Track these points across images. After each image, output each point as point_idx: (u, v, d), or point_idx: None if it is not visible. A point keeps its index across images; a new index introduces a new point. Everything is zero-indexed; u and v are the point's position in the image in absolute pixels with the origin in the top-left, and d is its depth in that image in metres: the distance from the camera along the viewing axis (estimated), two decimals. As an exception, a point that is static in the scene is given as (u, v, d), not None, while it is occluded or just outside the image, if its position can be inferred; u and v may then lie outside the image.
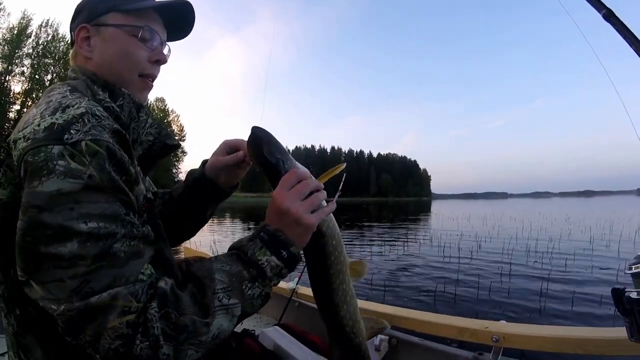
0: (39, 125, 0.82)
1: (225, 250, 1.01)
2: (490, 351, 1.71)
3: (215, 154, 1.32)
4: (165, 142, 1.12)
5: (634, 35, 1.22)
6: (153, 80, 1.17)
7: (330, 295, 1.10)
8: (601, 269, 9.34)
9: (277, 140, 1.06)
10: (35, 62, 55.43)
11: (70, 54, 1.15)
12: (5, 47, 53.27)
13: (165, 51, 1.18)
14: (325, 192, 1.03)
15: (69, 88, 0.99)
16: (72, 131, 0.80)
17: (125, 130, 0.96)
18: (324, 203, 1.03)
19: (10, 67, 53.73)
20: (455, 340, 1.84)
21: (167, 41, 1.20)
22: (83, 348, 0.77)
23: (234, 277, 0.88)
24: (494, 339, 1.66)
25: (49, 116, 0.84)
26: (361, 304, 2.21)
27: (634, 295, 1.09)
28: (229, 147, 1.30)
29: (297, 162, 1.07)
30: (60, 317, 0.75)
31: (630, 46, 1.22)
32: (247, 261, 0.91)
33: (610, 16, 1.27)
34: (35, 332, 0.89)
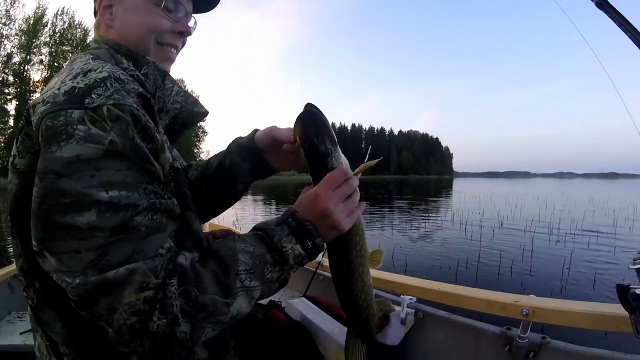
0: (59, 89, 0.79)
1: (249, 228, 0.99)
2: (519, 326, 1.69)
3: (266, 128, 1.23)
4: (192, 110, 1.08)
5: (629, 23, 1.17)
6: (177, 51, 1.14)
7: (350, 287, 1.10)
8: (623, 251, 9.22)
9: (330, 127, 0.99)
10: (53, 50, 56.20)
11: (93, 25, 1.12)
12: (23, 37, 54.12)
13: (190, 23, 1.14)
14: (359, 192, 1.00)
15: (92, 56, 0.96)
16: (93, 95, 0.76)
17: (151, 98, 0.93)
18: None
19: (28, 56, 54.52)
20: (483, 314, 1.82)
21: (193, 13, 1.16)
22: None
23: (257, 259, 0.86)
24: (523, 313, 1.63)
25: (69, 80, 0.80)
26: (388, 276, 2.20)
27: (639, 291, 1.06)
28: (274, 140, 1.20)
29: (342, 154, 1.01)
30: (74, 291, 0.71)
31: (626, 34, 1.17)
32: (272, 246, 0.88)
33: (602, 4, 1.21)
34: (55, 306, 0.87)
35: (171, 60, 1.13)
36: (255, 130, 1.25)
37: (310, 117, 0.98)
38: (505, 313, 1.71)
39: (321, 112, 0.99)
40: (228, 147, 1.29)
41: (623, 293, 1.08)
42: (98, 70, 0.83)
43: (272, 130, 1.20)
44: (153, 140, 0.83)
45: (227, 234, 1.78)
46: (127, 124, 0.76)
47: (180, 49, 1.16)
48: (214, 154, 1.37)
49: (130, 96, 0.81)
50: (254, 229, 0.94)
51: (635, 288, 1.07)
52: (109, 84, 0.80)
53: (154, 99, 0.98)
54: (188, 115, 1.08)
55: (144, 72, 0.99)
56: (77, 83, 0.79)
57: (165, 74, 1.04)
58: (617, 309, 1.51)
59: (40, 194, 0.73)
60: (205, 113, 1.12)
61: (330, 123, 1.01)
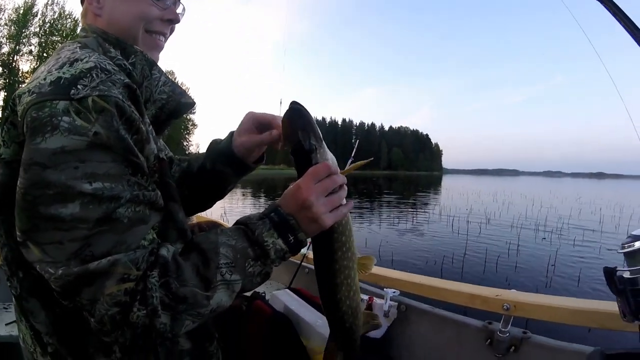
0: (45, 79, 0.78)
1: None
2: (500, 320, 1.70)
3: (243, 130, 1.20)
4: (179, 101, 1.06)
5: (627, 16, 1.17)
6: (165, 39, 1.13)
7: (333, 289, 1.06)
8: (609, 249, 9.32)
9: (315, 124, 1.00)
10: (42, 40, 54.95)
11: (80, 13, 1.10)
12: (12, 27, 52.96)
13: (178, 10, 1.13)
14: (346, 190, 0.99)
15: (79, 45, 0.94)
16: (79, 86, 0.75)
17: (138, 88, 0.91)
18: (344, 201, 1.00)
19: (17, 46, 53.47)
20: (465, 308, 1.83)
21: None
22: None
23: (239, 253, 0.86)
24: (505, 307, 1.64)
25: (56, 70, 0.79)
26: (373, 269, 2.20)
27: (626, 274, 1.06)
28: (258, 122, 1.18)
29: (328, 151, 1.02)
30: (57, 281, 0.72)
31: (623, 26, 1.17)
32: (254, 240, 0.88)
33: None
34: (39, 296, 0.87)
35: (160, 48, 1.12)
36: (232, 134, 1.23)
37: (296, 114, 1.00)
38: (487, 307, 1.72)
39: (306, 110, 1.00)
40: (207, 151, 1.29)
41: (610, 276, 1.08)
42: (84, 60, 0.82)
43: (254, 118, 1.19)
44: (138, 131, 0.82)
45: (213, 226, 1.77)
46: (112, 116, 0.76)
47: (169, 36, 1.14)
48: (204, 146, 1.36)
49: (116, 87, 0.80)
50: (237, 222, 0.94)
51: (622, 271, 1.07)
52: (94, 75, 0.79)
53: (141, 88, 0.97)
54: (175, 106, 1.06)
55: (131, 62, 0.98)
56: (63, 73, 0.78)
57: (153, 64, 1.02)
58: (600, 305, 1.53)
59: (25, 185, 0.73)
60: (192, 104, 1.10)
61: (321, 118, 1.01)
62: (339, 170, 0.98)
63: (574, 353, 1.52)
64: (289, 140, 1.01)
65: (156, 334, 0.77)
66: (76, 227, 0.71)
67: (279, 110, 1.18)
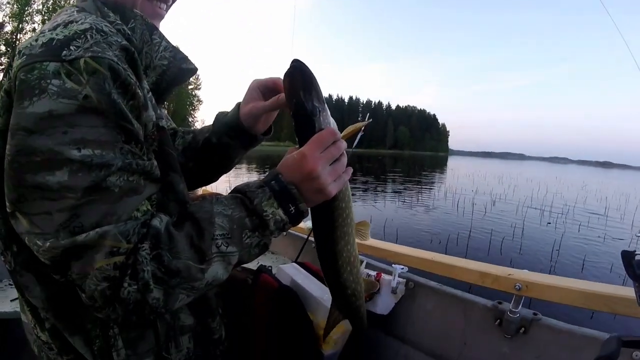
0: (37, 40, 0.73)
1: None
2: (510, 300, 1.68)
3: (249, 98, 1.15)
4: (180, 67, 1.00)
5: None
6: (166, 7, 1.07)
7: (334, 257, 1.03)
8: (614, 238, 9.33)
9: (317, 84, 0.92)
10: (45, 17, 54.52)
11: None
12: (15, 6, 52.77)
13: None
14: (346, 156, 0.95)
15: (77, 9, 0.89)
16: (72, 47, 0.71)
17: (138, 54, 0.87)
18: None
19: (20, 25, 53.30)
20: (475, 286, 1.80)
21: None
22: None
23: (235, 223, 0.82)
24: (516, 287, 1.62)
25: (49, 31, 0.75)
26: (379, 244, 2.19)
27: None
28: (263, 87, 1.13)
29: (330, 115, 0.95)
30: (45, 254, 0.69)
31: None
32: (252, 209, 0.83)
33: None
34: (33, 270, 0.84)
35: (160, 16, 1.06)
36: (238, 105, 1.18)
37: (298, 72, 0.91)
38: (498, 286, 1.70)
39: (309, 69, 0.92)
40: (214, 124, 1.24)
41: (628, 259, 1.04)
42: (80, 22, 0.77)
43: (258, 83, 1.14)
44: (134, 96, 0.77)
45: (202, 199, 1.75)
46: (104, 78, 0.71)
47: (171, 4, 1.09)
48: (209, 122, 1.31)
49: (112, 49, 0.76)
50: (235, 190, 0.89)
51: None
52: (89, 36, 0.74)
53: (141, 54, 0.93)
54: (176, 72, 1.00)
55: (130, 26, 0.93)
56: (56, 35, 0.73)
57: (153, 28, 0.97)
58: (613, 290, 1.50)
59: (11, 151, 0.69)
60: (194, 70, 1.05)
61: (327, 95, 0.94)
62: (340, 134, 0.93)
63: (584, 337, 1.50)
64: (289, 102, 0.93)
65: (149, 310, 0.74)
66: (64, 197, 0.68)
67: (291, 53, 1.12)
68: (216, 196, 0.88)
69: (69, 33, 0.74)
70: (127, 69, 0.77)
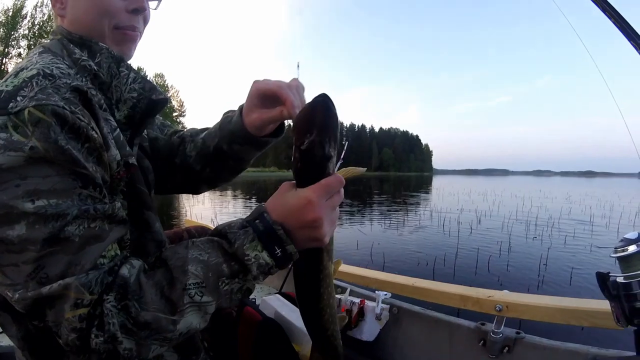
0: None
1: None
2: (493, 321, 1.69)
3: (251, 105, 1.03)
4: (150, 98, 0.97)
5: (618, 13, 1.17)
6: (138, 32, 1.04)
7: (317, 299, 0.99)
8: (600, 247, 9.38)
9: (338, 127, 0.84)
10: (31, 42, 54.79)
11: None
12: (1, 30, 52.94)
13: None
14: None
15: (41, 50, 0.90)
16: (18, 98, 0.70)
17: (107, 89, 0.88)
18: None
19: (6, 49, 53.46)
20: (458, 310, 1.82)
21: None
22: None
23: (211, 270, 0.76)
24: (497, 309, 1.64)
25: (2, 82, 0.74)
26: (362, 271, 2.20)
27: (620, 279, 1.04)
28: (262, 96, 0.99)
29: None
30: (17, 304, 0.69)
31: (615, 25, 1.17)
32: (231, 254, 0.77)
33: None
34: (9, 310, 0.82)
35: (133, 41, 1.03)
36: (241, 110, 1.08)
37: (325, 109, 0.81)
38: (479, 308, 1.72)
39: (335, 109, 0.82)
40: (220, 129, 1.16)
41: (603, 281, 1.06)
42: (30, 68, 0.77)
43: (258, 90, 0.99)
44: (88, 139, 0.75)
45: (203, 231, 1.74)
46: (48, 127, 0.69)
47: (143, 28, 1.06)
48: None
49: (61, 92, 0.74)
50: (215, 231, 0.83)
51: (615, 276, 1.05)
52: (34, 83, 0.73)
53: (110, 88, 0.92)
54: (147, 104, 0.98)
55: (97, 61, 0.92)
56: (6, 86, 0.73)
57: (120, 60, 0.95)
58: (592, 304, 1.53)
59: None
60: (165, 100, 1.01)
61: None
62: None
63: (568, 352, 1.52)
64: (301, 134, 0.80)
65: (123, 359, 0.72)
66: (26, 249, 0.67)
67: (297, 75, 1.06)
68: (192, 240, 0.82)
69: (18, 82, 0.73)
70: (78, 111, 0.74)
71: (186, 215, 14.85)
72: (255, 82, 1.00)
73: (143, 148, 1.16)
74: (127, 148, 0.91)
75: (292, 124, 0.88)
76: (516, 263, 7.84)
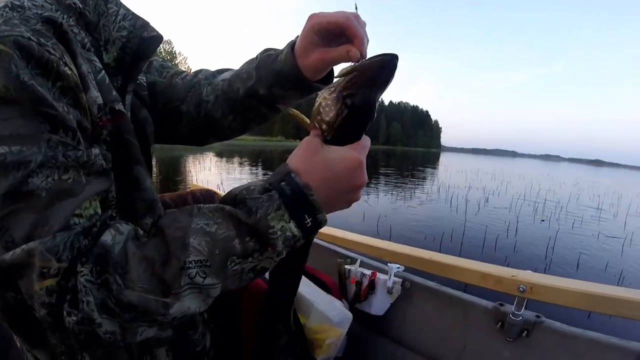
0: None
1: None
2: (513, 303, 1.60)
3: (308, 45, 0.84)
4: (141, 36, 0.85)
5: None
6: None
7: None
8: (607, 236, 9.34)
9: None
10: None
11: None
12: None
13: None
14: None
15: None
16: None
17: (94, 29, 0.76)
18: None
19: None
20: (476, 287, 1.72)
21: None
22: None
23: (218, 247, 0.61)
24: (520, 289, 1.54)
25: None
26: (375, 242, 2.10)
27: None
28: (324, 31, 0.80)
29: None
30: None
31: None
32: (251, 226, 0.62)
33: None
34: None
35: None
36: (291, 49, 0.89)
37: (394, 70, 0.72)
38: (501, 288, 1.61)
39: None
40: (258, 71, 0.97)
41: None
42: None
43: (319, 24, 0.80)
44: (60, 76, 0.61)
45: (209, 195, 1.63)
46: (9, 59, 0.57)
47: None
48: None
49: (30, 24, 0.61)
50: (227, 196, 0.68)
51: None
52: (1, 14, 0.61)
53: (98, 28, 0.79)
54: (138, 44, 0.85)
55: None
56: None
57: None
58: (621, 292, 1.42)
59: None
60: (159, 37, 0.88)
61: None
62: None
63: (589, 340, 1.43)
64: (362, 85, 0.71)
65: (106, 343, 0.60)
66: None
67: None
68: (198, 205, 0.67)
69: None
70: (49, 44, 0.62)
71: (192, 181, 14.75)
72: (314, 15, 0.82)
73: (141, 97, 1.02)
74: (114, 93, 0.77)
75: (347, 67, 0.74)
76: (523, 244, 7.81)
